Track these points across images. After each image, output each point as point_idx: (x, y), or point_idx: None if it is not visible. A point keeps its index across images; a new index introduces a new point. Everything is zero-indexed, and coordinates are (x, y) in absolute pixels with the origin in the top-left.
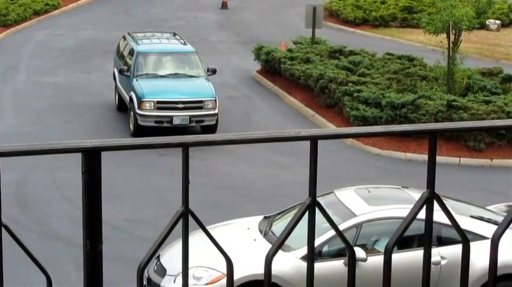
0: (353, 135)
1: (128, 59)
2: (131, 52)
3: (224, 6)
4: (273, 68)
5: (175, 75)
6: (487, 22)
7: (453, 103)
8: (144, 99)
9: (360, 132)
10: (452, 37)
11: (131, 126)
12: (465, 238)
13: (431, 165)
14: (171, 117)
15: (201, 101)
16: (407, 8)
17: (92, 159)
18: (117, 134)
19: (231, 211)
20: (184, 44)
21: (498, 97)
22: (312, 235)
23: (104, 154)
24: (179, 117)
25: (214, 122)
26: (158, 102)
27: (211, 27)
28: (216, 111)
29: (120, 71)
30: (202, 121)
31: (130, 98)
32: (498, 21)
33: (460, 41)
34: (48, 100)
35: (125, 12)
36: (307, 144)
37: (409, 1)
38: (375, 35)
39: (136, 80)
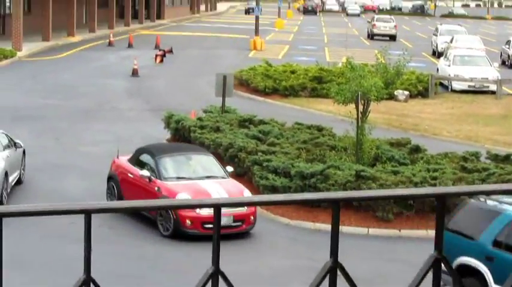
0: (255, 204)
1: None
2: None
3: (135, 74)
4: (183, 136)
5: None
6: (395, 93)
7: (362, 173)
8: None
9: (263, 200)
10: (361, 107)
11: None
12: None
13: (335, 234)
14: None
15: None
16: (317, 78)
17: None
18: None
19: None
20: None
21: (406, 167)
22: None
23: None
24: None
25: None
26: None
27: (121, 95)
28: None
29: None
30: None
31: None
32: (406, 92)
33: (369, 112)
34: None
35: (33, 78)
36: None
37: (319, 71)
38: (284, 105)
39: None
